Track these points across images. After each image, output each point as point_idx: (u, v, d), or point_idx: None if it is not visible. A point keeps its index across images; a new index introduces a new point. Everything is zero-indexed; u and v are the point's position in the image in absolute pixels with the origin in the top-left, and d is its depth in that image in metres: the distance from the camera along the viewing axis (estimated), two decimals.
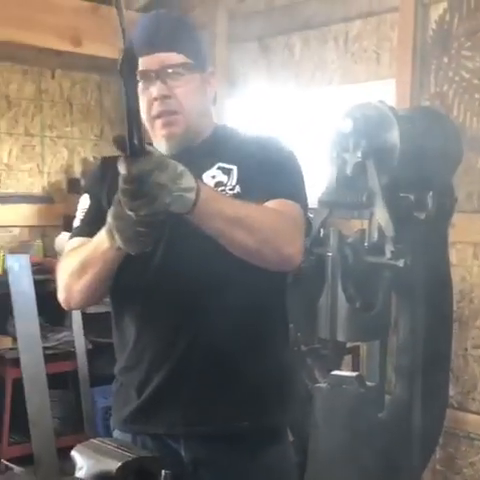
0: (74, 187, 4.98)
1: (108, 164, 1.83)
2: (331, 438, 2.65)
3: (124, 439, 1.79)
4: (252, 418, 1.75)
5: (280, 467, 1.83)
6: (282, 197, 1.69)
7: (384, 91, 3.79)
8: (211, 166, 1.75)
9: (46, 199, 4.97)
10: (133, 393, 1.79)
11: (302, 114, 4.40)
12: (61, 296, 1.77)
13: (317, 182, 3.38)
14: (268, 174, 1.71)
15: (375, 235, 2.71)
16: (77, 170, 5.13)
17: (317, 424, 2.69)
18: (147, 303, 1.74)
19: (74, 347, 4.39)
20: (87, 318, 4.27)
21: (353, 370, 3.27)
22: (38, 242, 4.81)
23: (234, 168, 1.75)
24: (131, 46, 1.43)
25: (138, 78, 1.66)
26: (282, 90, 4.48)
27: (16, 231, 4.87)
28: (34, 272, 4.37)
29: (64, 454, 2.68)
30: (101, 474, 1.40)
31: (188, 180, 1.43)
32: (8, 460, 3.93)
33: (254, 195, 1.66)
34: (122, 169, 1.35)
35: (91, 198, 1.84)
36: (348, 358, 3.62)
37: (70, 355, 4.38)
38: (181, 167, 1.43)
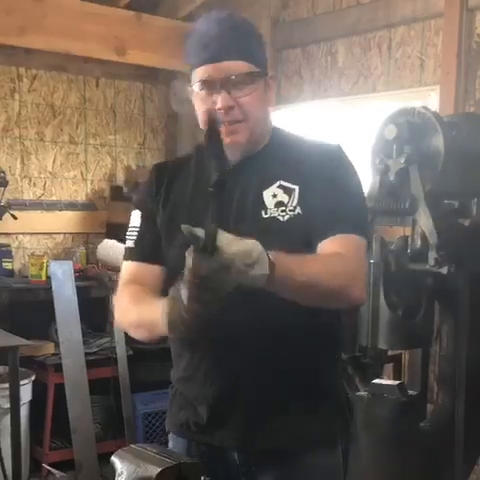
0: (117, 195, 5.02)
1: (161, 169, 1.87)
2: (372, 447, 2.62)
3: (178, 444, 1.82)
4: (305, 441, 1.74)
5: None
6: (347, 232, 1.67)
7: (428, 97, 3.75)
8: (272, 183, 1.71)
9: (89, 206, 5.02)
10: (189, 402, 1.79)
11: (345, 121, 4.38)
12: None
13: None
14: (332, 200, 1.67)
15: (418, 242, 2.69)
16: (120, 178, 5.17)
17: (358, 433, 2.66)
18: None
19: (115, 353, 4.41)
20: None
21: (394, 379, 3.23)
22: (81, 249, 4.86)
23: (296, 188, 1.70)
24: (225, 169, 1.43)
25: (198, 87, 1.69)
26: (326, 97, 4.47)
27: (60, 238, 4.92)
28: (77, 279, 4.41)
29: (104, 459, 2.70)
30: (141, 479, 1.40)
31: (261, 267, 1.39)
32: (50, 465, 3.95)
33: (316, 219, 1.65)
34: (189, 262, 1.33)
35: (142, 216, 1.84)
36: (389, 366, 3.58)
37: (111, 361, 4.40)
38: (255, 255, 1.38)
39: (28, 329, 4.00)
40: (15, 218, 4.43)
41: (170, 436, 1.88)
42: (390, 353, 3.14)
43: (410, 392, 2.65)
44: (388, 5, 4.01)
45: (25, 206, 4.73)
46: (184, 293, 1.35)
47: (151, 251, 1.79)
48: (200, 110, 1.71)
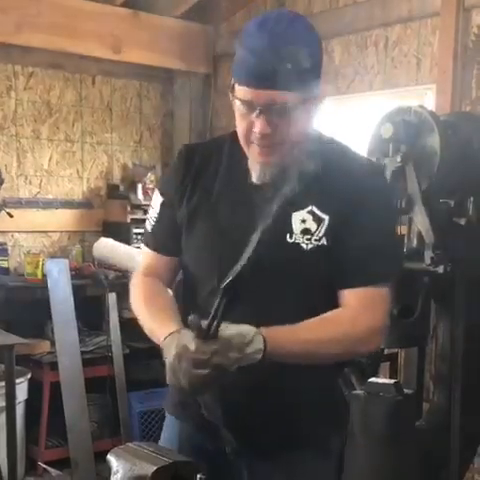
0: (113, 193, 5.01)
1: (191, 154, 1.81)
2: (367, 446, 2.62)
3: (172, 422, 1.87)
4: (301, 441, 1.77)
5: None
6: (373, 284, 1.66)
7: (424, 96, 3.76)
8: (303, 207, 1.66)
9: (85, 205, 5.01)
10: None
11: (342, 119, 4.38)
12: None
13: None
14: (364, 242, 1.63)
15: (414, 241, 2.69)
16: (116, 176, 5.16)
17: (353, 432, 2.66)
18: None
19: (111, 352, 4.40)
20: (124, 323, 4.29)
21: (390, 377, 3.23)
22: (77, 247, 4.85)
23: (326, 218, 1.65)
24: (230, 289, 1.47)
25: (238, 104, 1.61)
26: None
27: (56, 236, 4.91)
28: (73, 277, 4.40)
29: (100, 458, 2.69)
30: (137, 478, 1.40)
31: (256, 344, 1.51)
32: (45, 463, 3.96)
33: (342, 257, 1.63)
34: (191, 346, 1.48)
35: (163, 203, 1.82)
36: (386, 365, 3.58)
37: (107, 360, 4.40)
38: (250, 336, 1.50)
39: (24, 327, 3.99)
40: (11, 216, 4.42)
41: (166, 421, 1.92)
42: (386, 352, 3.14)
43: (406, 391, 2.64)
44: (384, 4, 4.01)
45: (21, 204, 4.72)
46: (185, 372, 1.49)
47: (167, 242, 1.82)
48: (239, 124, 1.64)
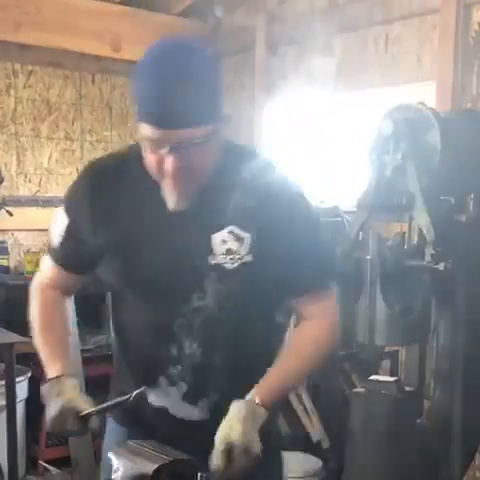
0: None
1: (99, 174, 1.75)
2: (368, 443, 2.62)
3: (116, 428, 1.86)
4: None
5: None
6: (320, 286, 1.72)
7: (425, 93, 3.75)
8: (222, 227, 1.63)
9: None
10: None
11: (342, 117, 4.37)
12: None
13: (357, 185, 3.36)
14: (295, 252, 1.64)
15: (415, 238, 2.68)
16: None
17: (354, 429, 2.66)
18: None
19: (111, 350, 4.40)
20: None
21: (391, 375, 3.23)
22: None
23: (247, 236, 1.63)
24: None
25: (146, 142, 1.55)
26: (322, 93, 4.46)
27: None
28: None
29: (101, 456, 2.68)
30: (137, 476, 1.40)
31: (259, 419, 1.56)
32: (46, 462, 3.97)
33: (269, 267, 1.63)
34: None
35: (70, 224, 1.78)
36: (386, 363, 3.58)
37: (107, 358, 4.39)
38: (250, 416, 1.55)
39: (24, 326, 3.98)
40: (11, 214, 4.42)
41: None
42: (387, 349, 3.14)
43: (407, 388, 2.65)
44: (384, 1, 4.01)
45: (21, 202, 4.72)
46: None
47: (72, 260, 1.82)
48: (148, 158, 1.58)
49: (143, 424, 1.75)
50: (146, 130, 1.51)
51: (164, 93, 1.46)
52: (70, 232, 1.77)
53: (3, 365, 3.64)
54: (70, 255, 1.81)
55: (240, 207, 1.62)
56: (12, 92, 4.72)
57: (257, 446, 1.51)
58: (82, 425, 1.64)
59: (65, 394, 1.68)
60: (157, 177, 1.59)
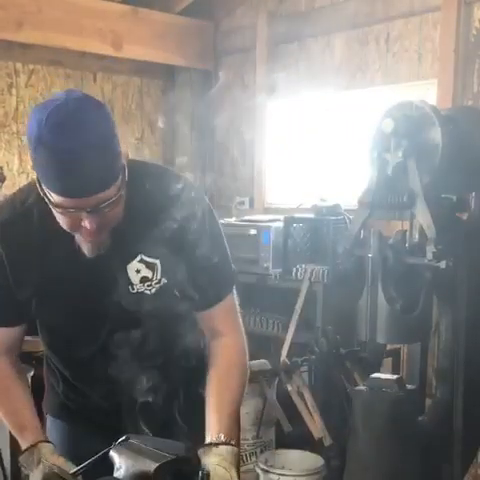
0: None
1: (4, 224, 1.73)
2: (370, 441, 2.62)
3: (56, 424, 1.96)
4: None
5: None
6: (225, 295, 1.80)
7: (426, 91, 3.75)
8: (133, 257, 1.69)
9: None
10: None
11: (343, 115, 4.37)
12: None
13: (358, 183, 3.36)
14: (196, 265, 1.70)
15: (416, 236, 2.68)
16: None
17: (356, 427, 2.66)
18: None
19: None
20: None
21: (393, 373, 3.23)
22: None
23: (157, 262, 1.70)
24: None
25: (58, 210, 1.53)
26: (323, 91, 4.46)
27: None
28: None
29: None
30: (139, 474, 1.40)
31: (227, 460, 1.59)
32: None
33: (180, 285, 1.70)
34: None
35: None
36: (388, 361, 3.58)
37: None
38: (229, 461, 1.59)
39: (27, 325, 3.98)
40: None
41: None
42: (388, 347, 3.14)
43: (408, 386, 2.65)
44: None
45: None
46: None
47: (9, 316, 1.79)
48: (62, 221, 1.57)
49: (82, 416, 1.86)
50: (60, 201, 1.49)
51: (70, 166, 1.43)
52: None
53: None
54: (3, 311, 1.78)
55: (146, 235, 1.65)
56: (14, 91, 4.72)
57: None
58: None
59: (45, 461, 1.69)
60: (70, 231, 1.59)
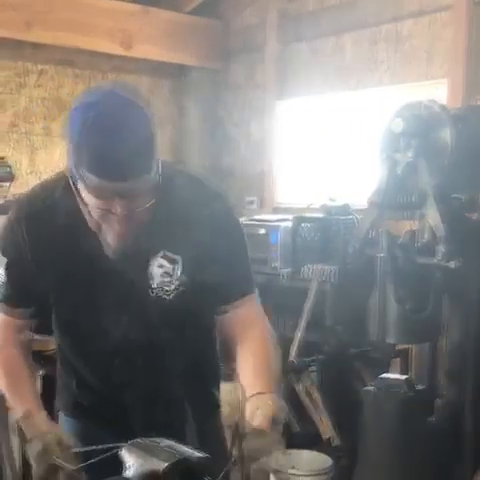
0: None
1: (28, 216, 1.76)
2: (380, 442, 2.61)
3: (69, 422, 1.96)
4: None
5: None
6: (246, 294, 1.81)
7: (435, 91, 3.74)
8: (157, 252, 1.72)
9: None
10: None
11: (353, 115, 4.37)
12: None
13: (367, 183, 3.35)
14: (221, 265, 1.72)
15: (426, 236, 2.67)
16: None
17: (365, 428, 2.65)
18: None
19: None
20: None
21: (402, 373, 3.23)
22: None
23: (179, 258, 1.73)
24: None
25: (93, 193, 1.55)
26: (332, 91, 4.46)
27: None
28: None
29: None
30: (149, 473, 1.40)
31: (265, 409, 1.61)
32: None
33: (202, 283, 1.72)
34: None
35: (9, 263, 1.79)
36: (397, 361, 3.57)
37: None
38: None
39: (37, 323, 3.99)
40: None
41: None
42: (397, 347, 3.14)
43: (418, 387, 2.64)
44: None
45: None
46: None
47: (19, 296, 1.83)
48: (91, 206, 1.59)
49: (95, 414, 1.87)
50: (96, 183, 1.52)
51: (113, 147, 1.49)
52: (11, 272, 1.79)
53: None
54: (16, 291, 1.82)
55: (170, 231, 1.70)
56: (23, 91, 4.74)
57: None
58: (71, 457, 1.66)
59: (44, 429, 1.72)
60: (99, 219, 1.61)
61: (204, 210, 1.71)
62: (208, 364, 1.94)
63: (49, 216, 1.73)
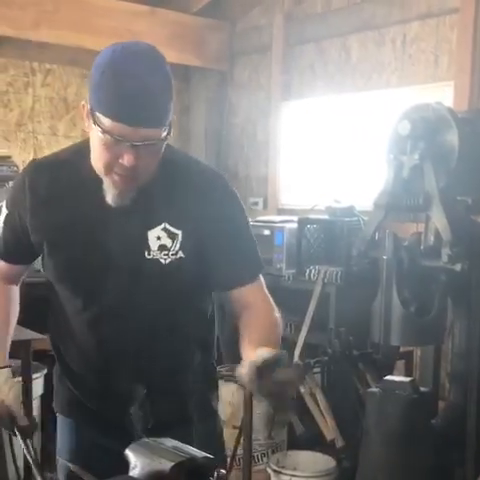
0: None
1: (39, 175, 1.81)
2: (383, 444, 2.61)
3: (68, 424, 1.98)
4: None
5: None
6: (254, 278, 1.83)
7: (442, 93, 3.74)
8: (157, 224, 1.73)
9: None
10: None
11: (359, 116, 4.37)
12: None
13: (372, 184, 3.35)
14: (224, 246, 1.75)
15: (431, 238, 2.67)
16: None
17: (368, 429, 2.65)
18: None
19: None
20: None
21: (406, 375, 3.22)
22: None
23: (179, 233, 1.73)
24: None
25: (106, 138, 1.58)
26: (338, 92, 4.46)
27: None
28: None
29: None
30: (154, 473, 1.40)
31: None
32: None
33: (200, 263, 1.74)
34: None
35: (9, 217, 1.86)
36: (400, 363, 3.57)
37: None
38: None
39: (40, 323, 4.00)
40: None
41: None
42: (401, 349, 3.13)
43: (422, 389, 2.64)
44: (403, 0, 4.00)
45: None
46: None
47: (14, 254, 1.93)
48: (101, 153, 1.63)
49: (89, 411, 1.88)
50: (111, 127, 1.56)
51: (133, 92, 1.53)
52: (8, 226, 1.87)
53: (19, 362, 3.66)
54: (10, 248, 1.91)
55: (173, 205, 1.73)
56: (30, 90, 4.75)
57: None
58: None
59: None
60: (103, 172, 1.66)
61: (204, 194, 1.75)
62: (203, 350, 1.92)
63: (54, 169, 1.80)
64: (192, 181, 1.76)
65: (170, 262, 1.73)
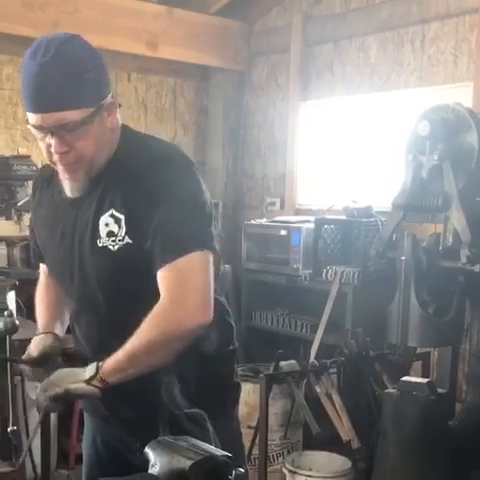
0: None
1: (43, 178, 1.94)
2: (399, 445, 2.61)
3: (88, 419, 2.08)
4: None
5: None
6: (176, 257, 1.66)
7: (461, 94, 3.72)
8: (107, 210, 1.73)
9: None
10: None
11: (378, 117, 4.36)
12: None
13: (390, 185, 3.35)
14: (157, 223, 1.66)
15: (450, 239, 2.67)
16: None
17: (385, 430, 2.65)
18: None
19: None
20: None
21: (423, 377, 3.21)
22: None
23: (122, 218, 1.70)
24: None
25: (33, 129, 1.66)
26: (356, 93, 4.45)
27: None
28: None
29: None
30: (174, 471, 1.40)
31: (90, 371, 1.73)
32: (77, 455, 4.00)
33: (148, 246, 1.68)
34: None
35: (30, 218, 2.02)
36: (417, 364, 3.56)
37: None
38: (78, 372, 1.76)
39: None
40: None
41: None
42: (418, 351, 3.13)
43: (439, 390, 2.64)
44: (422, 0, 3.98)
45: None
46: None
47: (40, 255, 2.01)
48: (42, 147, 1.71)
49: (98, 406, 1.90)
50: (29, 118, 1.64)
51: (37, 79, 1.60)
52: (30, 227, 2.03)
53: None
54: (35, 249, 2.02)
55: (118, 190, 1.72)
56: None
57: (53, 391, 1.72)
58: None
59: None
60: (52, 165, 1.73)
61: (143, 173, 1.69)
62: None
63: (51, 175, 1.86)
64: (137, 164, 1.72)
65: (119, 248, 1.71)
